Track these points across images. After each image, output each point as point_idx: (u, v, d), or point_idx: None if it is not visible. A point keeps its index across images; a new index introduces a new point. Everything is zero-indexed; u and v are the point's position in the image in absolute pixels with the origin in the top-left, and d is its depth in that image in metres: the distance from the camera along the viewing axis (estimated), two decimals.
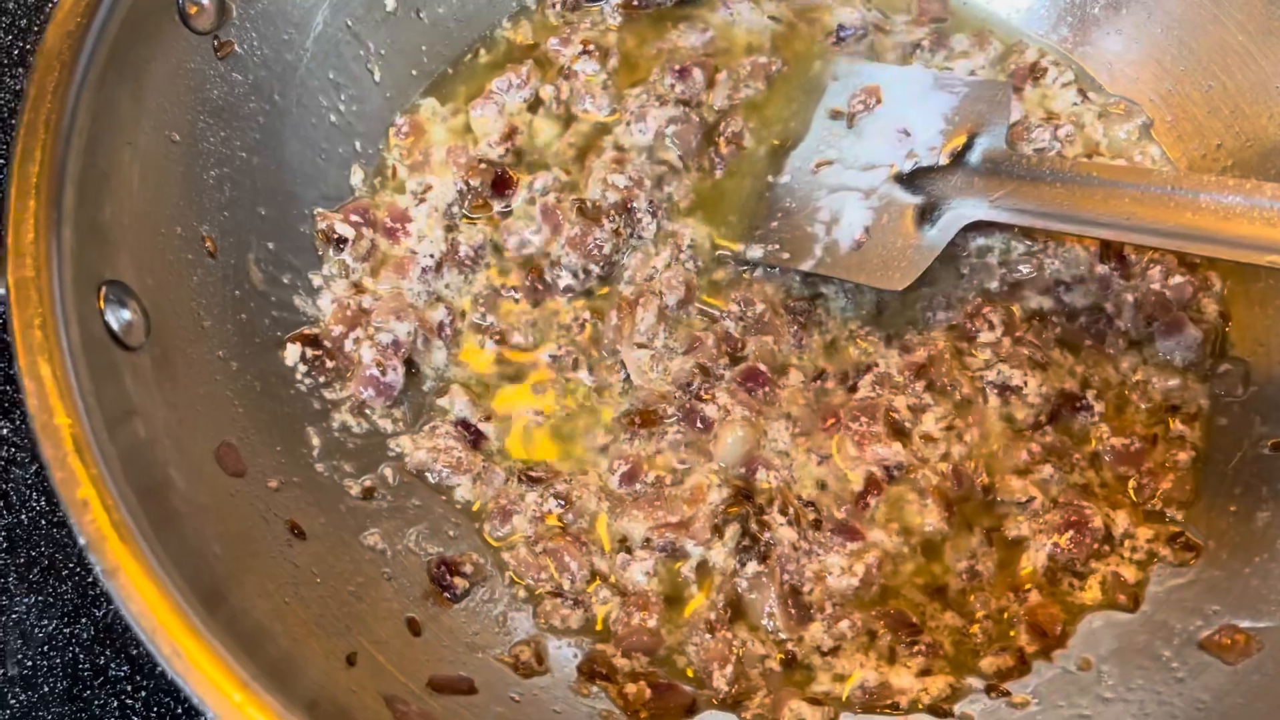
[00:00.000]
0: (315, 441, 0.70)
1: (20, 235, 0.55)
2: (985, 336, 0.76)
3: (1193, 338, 0.74)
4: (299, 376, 0.72)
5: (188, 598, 0.49)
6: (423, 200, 0.79)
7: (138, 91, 0.65)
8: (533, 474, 0.73)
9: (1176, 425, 0.74)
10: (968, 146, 0.76)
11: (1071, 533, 0.70)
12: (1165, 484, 0.72)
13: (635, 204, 0.79)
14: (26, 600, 0.73)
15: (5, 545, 0.74)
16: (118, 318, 0.59)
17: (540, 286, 0.77)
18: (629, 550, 0.71)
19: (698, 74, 0.84)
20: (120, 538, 0.49)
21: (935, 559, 0.71)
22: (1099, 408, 0.74)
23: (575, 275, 0.78)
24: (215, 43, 0.71)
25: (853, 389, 0.75)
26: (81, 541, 0.48)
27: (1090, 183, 0.70)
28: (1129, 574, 0.70)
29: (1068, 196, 0.70)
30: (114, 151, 0.62)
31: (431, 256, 0.78)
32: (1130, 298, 0.76)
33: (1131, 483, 0.73)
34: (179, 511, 0.55)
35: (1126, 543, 0.71)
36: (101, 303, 0.58)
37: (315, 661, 0.57)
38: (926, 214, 0.76)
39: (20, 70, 0.91)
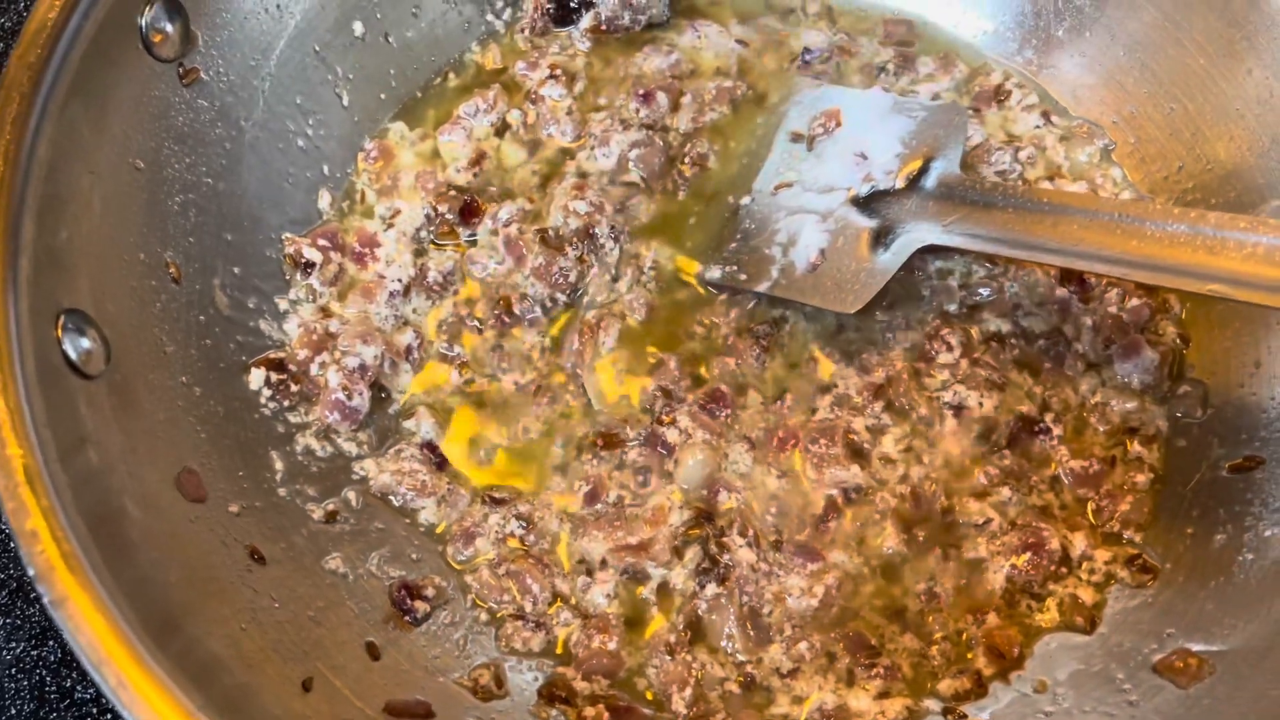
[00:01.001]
0: (278, 466, 0.71)
1: None
2: (943, 358, 0.77)
3: (1150, 360, 0.75)
4: (263, 401, 0.72)
5: (138, 628, 0.50)
6: (391, 225, 0.80)
7: (100, 120, 0.65)
8: (495, 495, 0.74)
9: (1135, 447, 0.74)
10: (923, 171, 0.77)
11: (1029, 554, 0.70)
12: (1124, 506, 0.72)
13: (597, 229, 0.80)
14: None
15: None
16: (76, 346, 0.60)
17: (507, 319, 0.78)
18: (590, 572, 0.71)
19: (661, 98, 0.85)
20: (69, 569, 0.49)
21: (894, 581, 0.71)
22: (1057, 430, 0.75)
23: (543, 306, 0.78)
24: (180, 70, 0.72)
25: (812, 410, 0.76)
26: (31, 572, 0.49)
27: (1040, 208, 0.71)
28: (1086, 596, 0.70)
29: (1018, 222, 0.71)
30: (74, 180, 0.63)
31: (400, 281, 0.78)
32: (1089, 320, 0.77)
33: (1090, 504, 0.73)
34: (133, 540, 0.55)
35: (1084, 565, 0.71)
36: (60, 331, 0.59)
37: (270, 689, 0.57)
38: (881, 237, 0.76)
39: None
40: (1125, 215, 0.67)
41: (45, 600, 0.48)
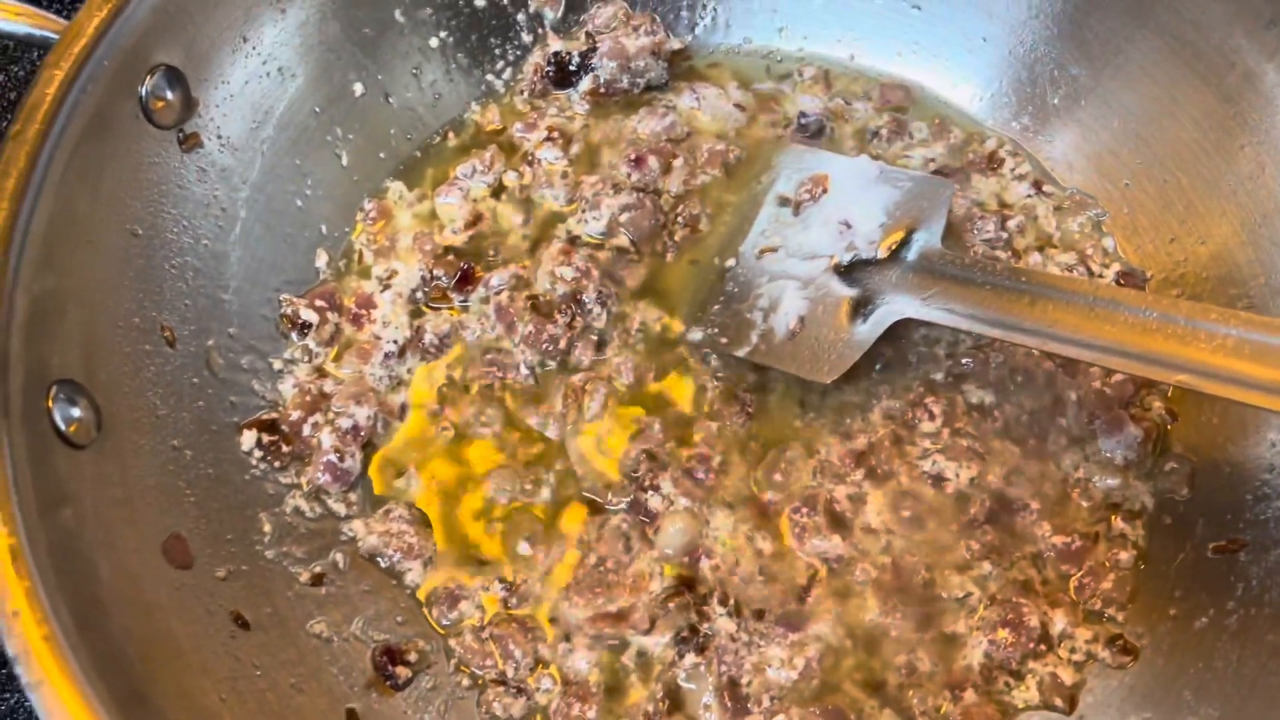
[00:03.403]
0: (267, 528, 0.72)
1: None
2: (926, 426, 0.77)
3: (1133, 436, 0.75)
4: (254, 462, 0.74)
5: (114, 711, 0.51)
6: (388, 286, 0.81)
7: (97, 190, 0.67)
8: (481, 558, 0.75)
9: (1118, 524, 0.74)
10: (905, 242, 0.77)
11: (1008, 631, 0.71)
12: (1106, 584, 0.72)
13: (584, 295, 0.80)
14: None
15: None
16: (66, 417, 0.61)
17: (497, 385, 0.79)
18: (570, 638, 0.72)
19: (653, 161, 0.86)
20: (49, 651, 0.50)
21: (875, 654, 0.72)
22: (1035, 505, 0.75)
23: (532, 371, 0.79)
24: (180, 136, 0.73)
25: (795, 477, 0.76)
26: (10, 652, 0.50)
27: (1018, 287, 0.71)
28: (1066, 675, 0.70)
29: (995, 300, 0.71)
30: (70, 253, 0.64)
31: (395, 343, 0.79)
32: (1073, 395, 0.77)
33: (1073, 581, 0.73)
34: (114, 615, 0.57)
35: (1065, 643, 0.71)
36: (50, 403, 0.60)
37: None
38: (861, 307, 0.77)
39: None
40: (1100, 299, 0.67)
41: (22, 682, 0.49)
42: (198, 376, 0.73)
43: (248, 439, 0.74)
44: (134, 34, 0.68)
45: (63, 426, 0.61)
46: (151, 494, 0.66)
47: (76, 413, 0.62)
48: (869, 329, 0.76)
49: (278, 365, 0.78)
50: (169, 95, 0.72)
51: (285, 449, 0.75)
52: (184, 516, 0.67)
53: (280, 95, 0.80)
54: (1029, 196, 0.85)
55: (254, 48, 0.77)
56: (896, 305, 0.76)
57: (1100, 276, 0.82)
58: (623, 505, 0.75)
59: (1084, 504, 0.75)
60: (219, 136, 0.76)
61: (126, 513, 0.64)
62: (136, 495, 0.65)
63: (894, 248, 0.78)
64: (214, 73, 0.75)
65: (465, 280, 0.82)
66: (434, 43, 0.87)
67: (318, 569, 0.72)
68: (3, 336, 0.58)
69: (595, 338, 0.81)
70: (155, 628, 0.60)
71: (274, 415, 0.75)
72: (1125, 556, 0.73)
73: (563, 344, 0.80)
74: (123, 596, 0.59)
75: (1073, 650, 0.71)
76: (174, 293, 0.73)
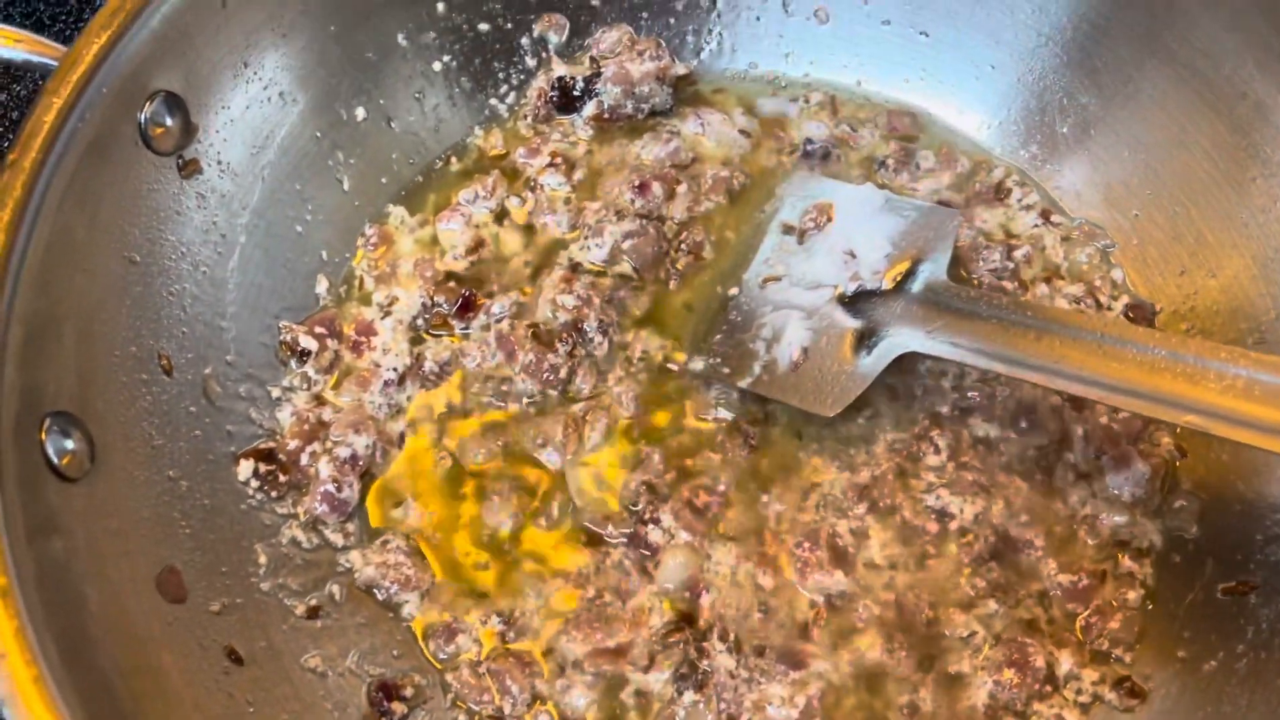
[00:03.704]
0: (262, 559, 0.71)
1: None
2: (931, 459, 0.76)
3: (1141, 473, 0.74)
4: (250, 492, 0.73)
5: None
6: (388, 313, 0.80)
7: (94, 218, 0.66)
8: (478, 590, 0.74)
9: (1126, 562, 0.73)
10: (910, 274, 0.76)
11: (1013, 671, 0.69)
12: (1113, 624, 0.71)
13: (585, 324, 0.80)
14: None
15: None
16: (60, 449, 0.60)
17: (497, 414, 0.78)
18: (567, 673, 0.71)
19: (656, 188, 0.85)
20: (38, 693, 0.50)
21: (877, 693, 0.71)
22: (1041, 542, 0.74)
23: (532, 400, 0.78)
24: (179, 162, 0.73)
25: (798, 510, 0.75)
26: None
27: (1024, 322, 0.70)
28: (1072, 718, 0.69)
29: (1001, 335, 0.70)
30: (66, 282, 0.64)
31: (395, 370, 0.79)
32: (1080, 430, 0.76)
33: (1079, 621, 0.72)
34: (105, 650, 0.56)
35: (1071, 684, 0.70)
36: (44, 435, 0.60)
37: None
38: (865, 339, 0.76)
39: None
40: (1108, 336, 0.66)
41: None
42: (195, 405, 0.72)
43: (245, 469, 0.73)
44: (133, 60, 0.68)
45: (55, 460, 0.60)
46: (146, 526, 0.65)
47: (70, 445, 0.61)
48: (873, 362, 0.75)
49: (276, 393, 0.77)
50: (168, 121, 0.71)
51: (283, 478, 0.74)
52: (179, 549, 0.67)
53: (281, 120, 0.79)
54: (1036, 226, 0.84)
55: (255, 73, 0.76)
56: (901, 338, 0.75)
57: (1108, 309, 0.81)
58: (623, 538, 0.75)
59: (1091, 541, 0.74)
60: (219, 162, 0.76)
61: (120, 545, 0.63)
62: (130, 528, 0.64)
63: (899, 279, 0.77)
64: (214, 98, 0.74)
65: (466, 307, 0.81)
66: (437, 67, 0.86)
67: (313, 601, 0.71)
68: None
69: (596, 367, 0.80)
70: (146, 662, 0.60)
71: (271, 444, 0.75)
72: (1133, 596, 0.72)
73: (563, 373, 0.79)
74: (113, 631, 0.59)
75: (1079, 692, 0.70)
76: (171, 320, 0.72)
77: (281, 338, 0.78)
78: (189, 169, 0.73)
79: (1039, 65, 0.84)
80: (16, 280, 0.60)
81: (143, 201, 0.70)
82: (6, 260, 0.59)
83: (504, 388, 0.79)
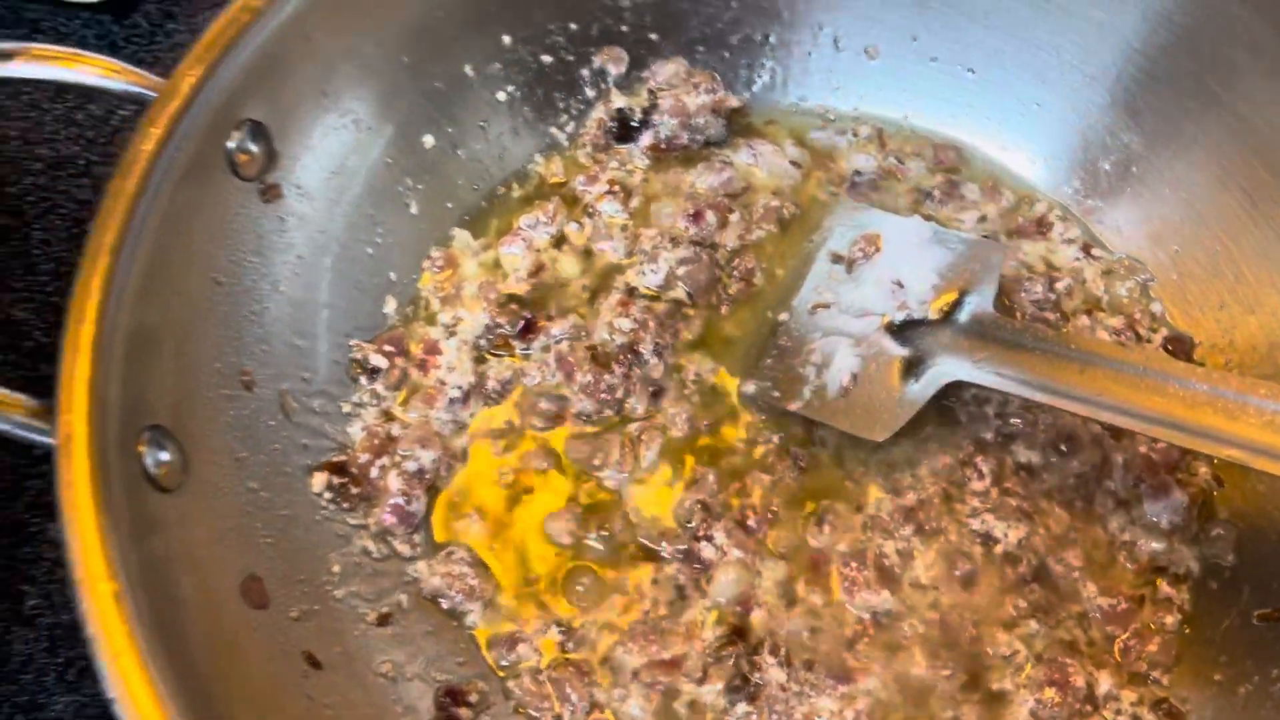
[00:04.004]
0: (336, 568, 0.75)
1: (70, 392, 0.60)
2: (975, 484, 0.79)
3: (1179, 502, 0.76)
4: (324, 504, 0.76)
5: None
6: (453, 333, 0.84)
7: (188, 243, 0.70)
8: (539, 601, 0.77)
9: (1164, 587, 0.76)
10: (957, 304, 0.79)
11: (1054, 690, 0.72)
12: (1151, 646, 0.74)
13: (641, 346, 0.83)
14: (64, 699, 0.77)
15: (46, 645, 0.79)
16: (156, 461, 0.64)
17: (556, 432, 0.82)
18: (624, 684, 0.74)
19: (710, 216, 0.88)
20: (148, 695, 0.53)
21: (922, 708, 0.73)
22: (1081, 565, 0.76)
23: (590, 419, 0.82)
24: (261, 187, 0.76)
25: (846, 531, 0.78)
26: (110, 695, 0.53)
27: (1068, 354, 0.73)
28: None
29: (1045, 366, 0.73)
30: (163, 303, 0.67)
31: (460, 388, 0.82)
32: (1119, 458, 0.78)
33: (1118, 643, 0.75)
34: (201, 656, 0.59)
35: (1110, 704, 0.73)
36: (143, 448, 0.63)
37: None
38: (913, 367, 0.79)
39: (85, 180, 0.97)
40: (1150, 370, 0.69)
41: None
42: (273, 420, 0.76)
43: (319, 481, 0.76)
44: (225, 91, 0.71)
45: (153, 471, 0.63)
46: (231, 536, 0.69)
47: (165, 457, 0.65)
48: (921, 389, 0.78)
49: (347, 409, 0.80)
50: (253, 149, 0.75)
51: (354, 491, 0.77)
52: (260, 558, 0.70)
53: (355, 147, 0.83)
54: (1077, 260, 0.87)
55: (333, 102, 0.80)
56: (948, 367, 0.78)
57: (1148, 341, 0.83)
58: (677, 554, 0.78)
59: (1129, 566, 0.77)
60: (297, 187, 0.79)
61: (208, 554, 0.66)
62: (217, 537, 0.68)
63: (946, 309, 0.80)
64: (295, 126, 0.78)
65: (527, 329, 0.85)
66: (501, 97, 0.90)
67: (384, 609, 0.75)
68: (103, 382, 0.61)
69: (651, 388, 0.83)
70: (235, 667, 0.63)
71: (343, 458, 0.78)
72: (1170, 620, 0.75)
73: (620, 394, 0.82)
74: (207, 635, 0.62)
75: (1118, 712, 0.72)
76: (253, 338, 0.76)
77: (353, 355, 0.82)
78: (270, 194, 0.77)
79: (1084, 104, 0.87)
80: (120, 299, 0.63)
81: (228, 225, 0.74)
82: (111, 280, 0.63)
83: (562, 407, 0.82)
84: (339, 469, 0.77)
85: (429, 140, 0.87)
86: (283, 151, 0.77)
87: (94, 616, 0.53)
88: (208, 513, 0.68)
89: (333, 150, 0.82)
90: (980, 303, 0.79)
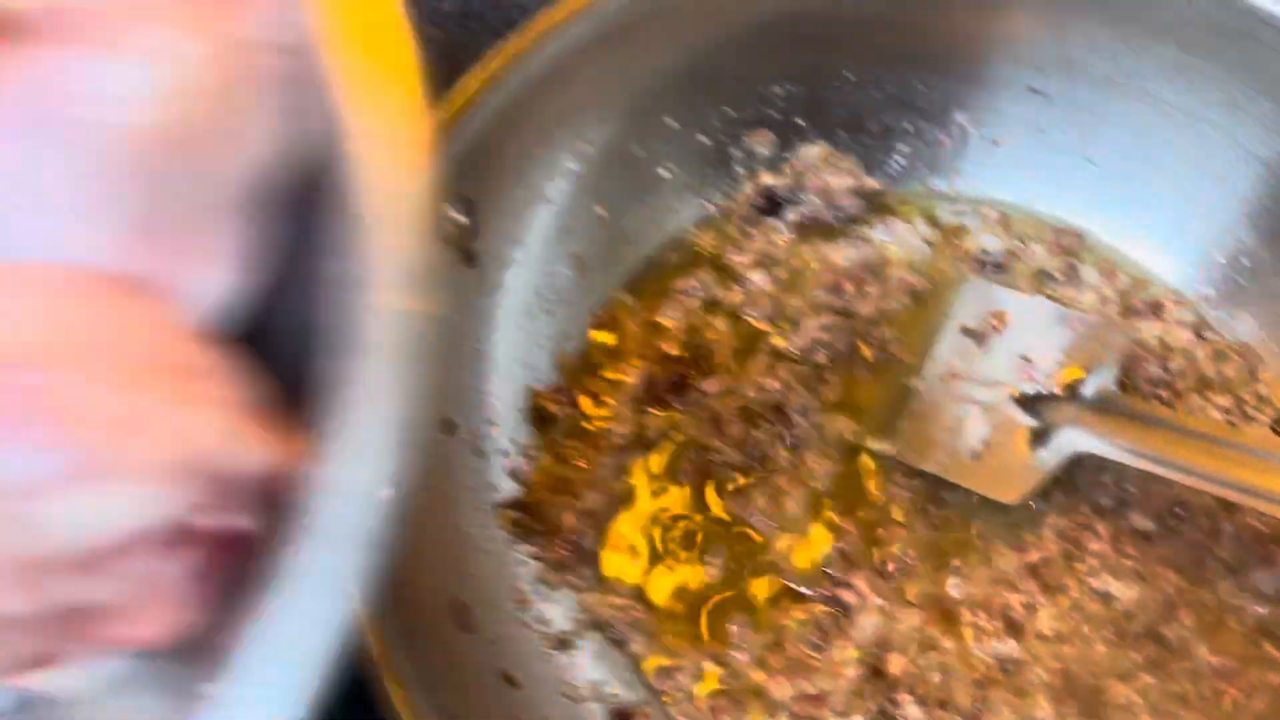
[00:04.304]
0: (520, 597, 0.84)
1: None
2: (1093, 545, 0.87)
3: None
4: (511, 537, 0.86)
5: None
6: (617, 386, 0.93)
7: None
8: (696, 635, 0.86)
9: (1269, 649, 0.83)
10: (1081, 381, 0.87)
11: None
12: (1259, 704, 0.81)
13: (787, 405, 0.91)
14: None
15: None
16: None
17: (710, 482, 0.90)
18: (774, 715, 0.82)
19: (849, 287, 0.97)
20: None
21: None
22: (1189, 623, 0.84)
23: (738, 470, 0.90)
24: (464, 254, 0.86)
25: (974, 583, 0.86)
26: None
27: (1183, 431, 0.81)
28: None
29: (1162, 441, 0.81)
30: None
31: (623, 437, 0.91)
32: (1228, 528, 0.86)
33: (1226, 699, 0.82)
34: (441, 680, 0.68)
35: None
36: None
37: None
38: (1040, 437, 0.87)
39: None
40: (1258, 449, 0.77)
41: None
42: (468, 461, 0.85)
43: (505, 517, 0.86)
44: (448, 168, 0.81)
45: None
46: (439, 564, 0.78)
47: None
48: (1049, 457, 0.86)
49: (530, 452, 0.90)
50: (463, 220, 0.85)
51: (535, 526, 0.86)
52: (463, 586, 0.79)
53: (537, 216, 0.92)
54: (1189, 341, 0.94)
55: (525, 180, 0.90)
56: (1074, 438, 0.85)
57: (1255, 420, 0.91)
58: (821, 598, 0.86)
59: (1237, 628, 0.84)
60: (489, 252, 0.89)
61: (423, 580, 0.76)
62: (429, 565, 0.77)
63: (1070, 385, 0.88)
64: (493, 203, 0.88)
65: (682, 386, 0.94)
66: (663, 173, 0.99)
67: (562, 636, 0.84)
68: None
69: (795, 444, 0.92)
70: (454, 683, 0.72)
71: (525, 497, 0.87)
72: (1275, 680, 0.82)
73: (767, 448, 0.91)
74: (431, 657, 0.71)
75: None
76: (452, 388, 0.85)
77: (532, 404, 0.91)
78: (471, 261, 0.87)
79: (1199, 200, 0.95)
80: None
81: (444, 288, 0.83)
82: None
83: (714, 458, 0.91)
84: (522, 506, 0.87)
85: (599, 210, 0.97)
86: (483, 223, 0.87)
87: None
88: (420, 540, 0.77)
89: (521, 219, 0.91)
90: (1103, 381, 0.87)
